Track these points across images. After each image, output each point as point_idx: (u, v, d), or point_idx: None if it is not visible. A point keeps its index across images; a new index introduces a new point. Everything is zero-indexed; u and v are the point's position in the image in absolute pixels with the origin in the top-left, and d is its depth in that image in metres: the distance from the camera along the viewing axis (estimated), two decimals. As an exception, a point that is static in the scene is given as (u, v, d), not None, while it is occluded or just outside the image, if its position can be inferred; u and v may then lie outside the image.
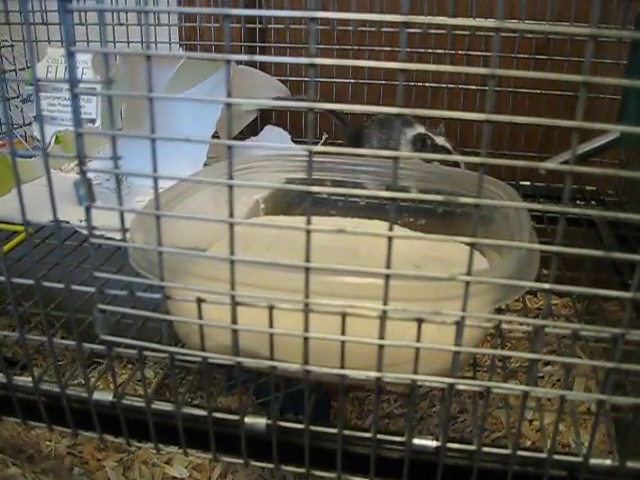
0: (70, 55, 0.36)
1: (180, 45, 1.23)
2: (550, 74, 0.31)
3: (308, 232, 0.35)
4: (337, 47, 1.15)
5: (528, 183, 1.07)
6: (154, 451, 0.85)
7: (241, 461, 0.47)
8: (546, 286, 0.35)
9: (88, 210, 0.39)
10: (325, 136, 1.13)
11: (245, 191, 0.78)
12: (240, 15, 0.31)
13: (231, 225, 0.36)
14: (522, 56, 1.05)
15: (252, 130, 1.16)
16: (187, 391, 0.85)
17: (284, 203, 0.79)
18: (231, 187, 0.35)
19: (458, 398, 0.91)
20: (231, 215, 0.36)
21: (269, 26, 1.17)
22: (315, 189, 0.33)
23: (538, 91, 1.06)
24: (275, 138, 1.08)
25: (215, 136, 0.97)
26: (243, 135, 1.16)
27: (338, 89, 1.16)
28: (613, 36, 0.30)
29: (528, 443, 0.87)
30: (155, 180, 0.37)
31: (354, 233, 0.34)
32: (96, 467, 0.88)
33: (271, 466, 0.47)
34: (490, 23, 0.30)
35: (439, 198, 0.32)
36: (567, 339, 0.80)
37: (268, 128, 1.12)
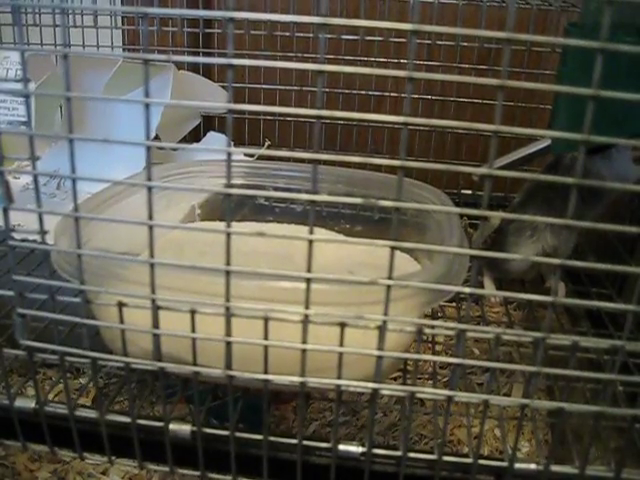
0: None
1: (123, 49, 1.21)
2: (466, 77, 0.31)
3: (228, 235, 0.35)
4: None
5: (470, 192, 1.08)
6: (90, 461, 0.83)
7: (167, 469, 0.46)
8: (467, 290, 0.35)
9: (5, 212, 0.38)
10: (268, 143, 1.13)
11: (184, 197, 0.77)
12: (156, 15, 0.31)
13: (150, 227, 0.35)
14: (464, 66, 1.06)
15: (195, 136, 1.15)
16: (125, 399, 0.84)
17: (221, 209, 0.78)
18: (150, 189, 0.34)
19: (399, 406, 0.91)
20: (150, 217, 0.35)
21: (207, 31, 1.16)
22: (234, 191, 0.33)
23: (479, 101, 1.08)
24: (217, 144, 1.07)
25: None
26: (186, 141, 1.15)
27: (281, 96, 1.16)
28: (527, 40, 0.30)
29: (466, 450, 0.87)
30: (73, 181, 0.36)
31: (273, 236, 0.34)
32: (29, 478, 0.86)
33: (197, 473, 0.46)
34: (407, 26, 0.30)
35: (358, 201, 0.32)
36: (507, 346, 0.81)
37: (211, 134, 1.12)
